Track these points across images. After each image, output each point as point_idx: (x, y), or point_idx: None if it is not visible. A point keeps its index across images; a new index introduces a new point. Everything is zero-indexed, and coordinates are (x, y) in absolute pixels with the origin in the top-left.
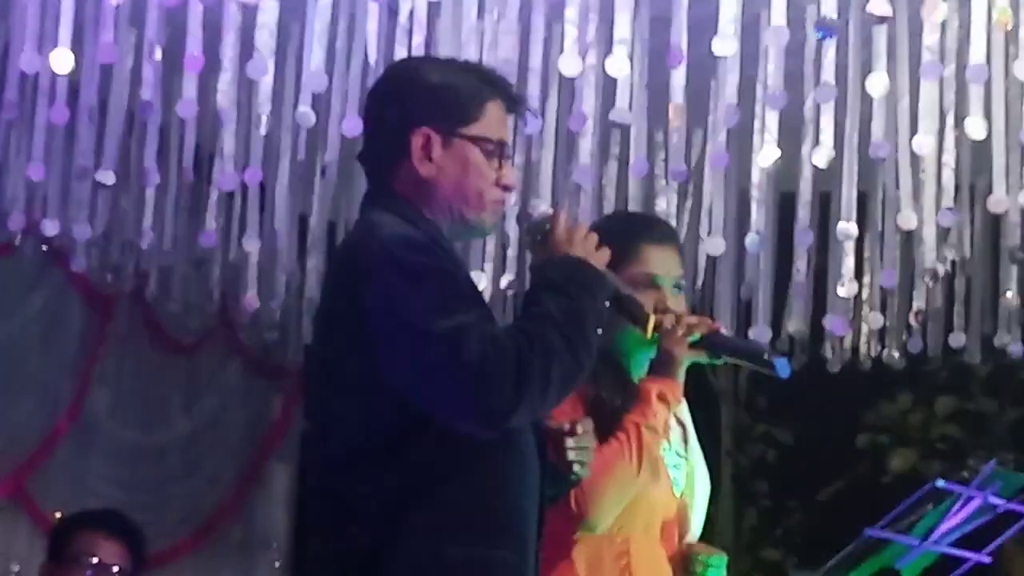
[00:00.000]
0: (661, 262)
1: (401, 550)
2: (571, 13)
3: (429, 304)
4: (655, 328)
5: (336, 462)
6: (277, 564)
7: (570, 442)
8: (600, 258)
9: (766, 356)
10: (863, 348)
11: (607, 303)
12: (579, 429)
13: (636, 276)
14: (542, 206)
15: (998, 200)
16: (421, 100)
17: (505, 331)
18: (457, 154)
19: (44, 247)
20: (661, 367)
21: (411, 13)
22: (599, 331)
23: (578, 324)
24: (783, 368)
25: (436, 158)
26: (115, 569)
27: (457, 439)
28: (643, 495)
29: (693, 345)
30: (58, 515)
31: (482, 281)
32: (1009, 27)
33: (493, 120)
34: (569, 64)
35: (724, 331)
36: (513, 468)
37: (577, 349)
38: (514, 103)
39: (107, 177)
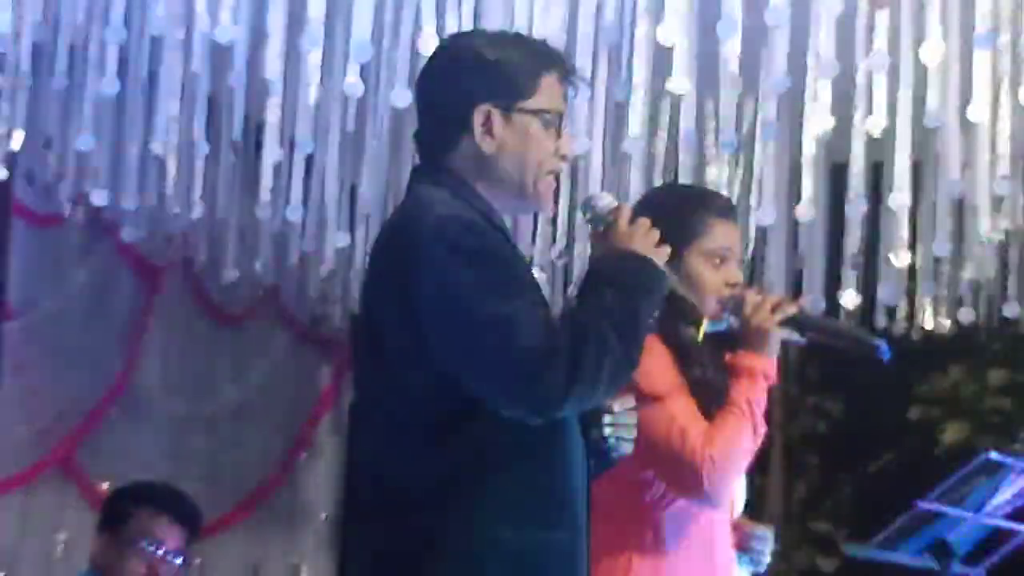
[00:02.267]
0: (729, 236)
1: (453, 532)
2: None
3: (484, 287)
4: (739, 305)
5: (385, 440)
6: (324, 518)
7: (607, 418)
8: (660, 254)
9: (865, 338)
10: (916, 318)
11: (663, 300)
12: (616, 407)
13: (709, 250)
14: (607, 197)
15: None
16: (479, 77)
17: (560, 320)
18: (517, 128)
19: (94, 218)
20: (755, 344)
21: None
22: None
23: (633, 321)
24: (884, 351)
25: (497, 134)
26: (176, 559)
27: (508, 422)
28: None
29: (785, 323)
30: (106, 485)
31: (533, 251)
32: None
33: (550, 92)
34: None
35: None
36: (563, 450)
37: (629, 345)
38: (568, 73)
39: (159, 148)
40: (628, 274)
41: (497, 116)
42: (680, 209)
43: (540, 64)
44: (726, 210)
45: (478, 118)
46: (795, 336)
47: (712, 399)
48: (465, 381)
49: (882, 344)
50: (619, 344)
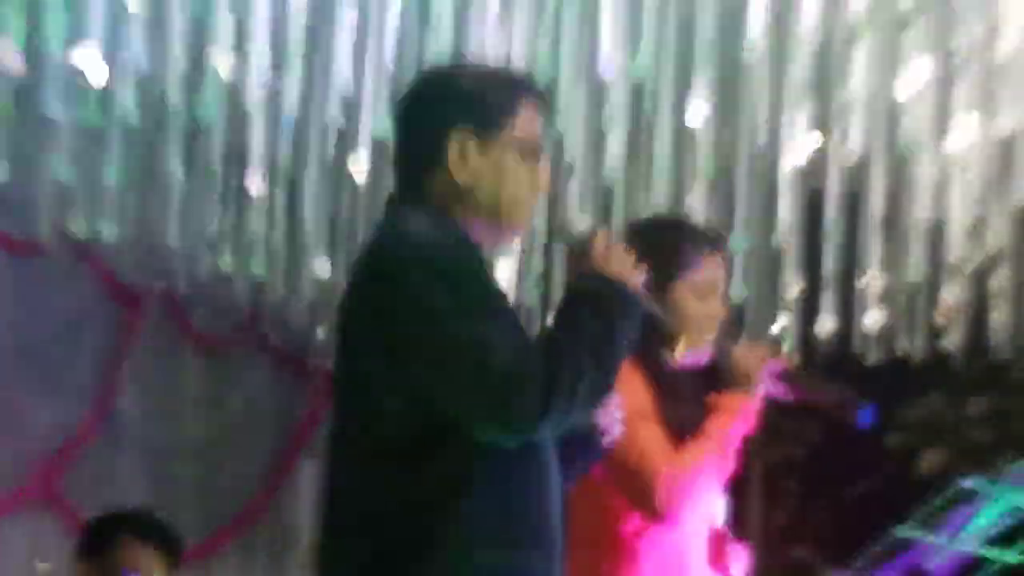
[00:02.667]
0: (717, 270)
1: (429, 557)
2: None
3: (459, 310)
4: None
5: (360, 465)
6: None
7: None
8: (636, 277)
9: (847, 405)
10: (893, 344)
11: (640, 324)
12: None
13: (696, 284)
14: (583, 222)
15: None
16: (455, 106)
17: (536, 342)
18: (493, 159)
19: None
20: (739, 384)
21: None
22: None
23: (609, 343)
24: (864, 418)
25: (472, 164)
26: None
27: (483, 446)
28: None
29: (778, 379)
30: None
31: (509, 270)
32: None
33: (526, 122)
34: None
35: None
36: (538, 473)
37: (605, 367)
38: (545, 104)
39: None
40: (603, 297)
41: (472, 146)
42: (672, 241)
43: (517, 94)
44: (715, 244)
45: (453, 148)
46: (777, 389)
47: (682, 428)
48: (440, 404)
49: (864, 412)
50: (594, 366)
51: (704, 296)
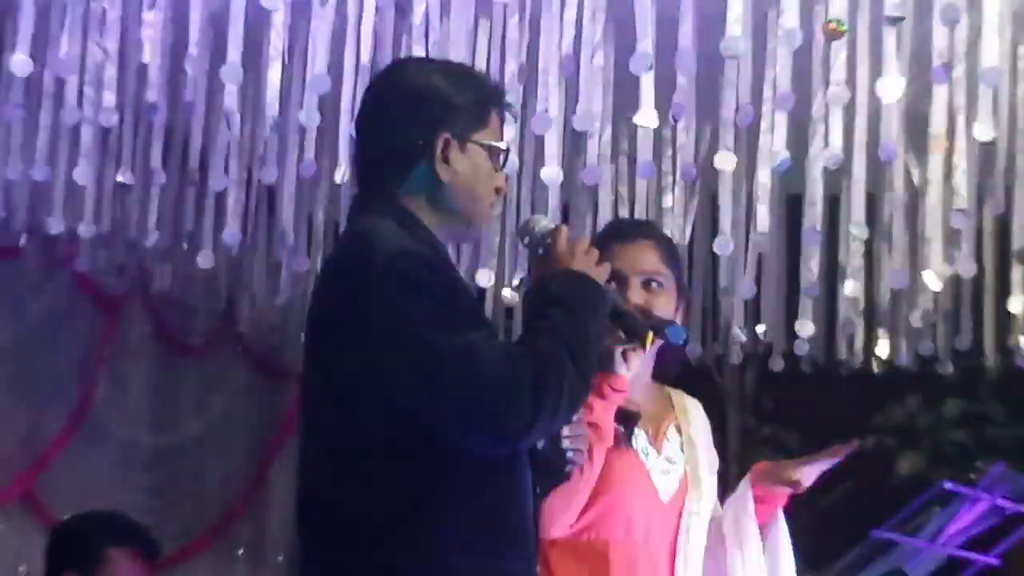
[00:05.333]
0: (627, 257)
1: (407, 564)
2: (570, 15)
3: (441, 321)
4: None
5: (336, 473)
6: (280, 559)
7: (565, 430)
8: (600, 273)
9: (665, 328)
10: (873, 350)
11: (608, 318)
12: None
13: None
14: (544, 220)
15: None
16: (439, 106)
17: (517, 348)
18: (470, 159)
19: (49, 248)
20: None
21: (419, 13)
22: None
23: (584, 341)
24: (676, 335)
25: (453, 163)
26: None
27: (459, 452)
28: (623, 499)
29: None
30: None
31: (488, 278)
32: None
33: (496, 126)
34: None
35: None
36: (514, 477)
37: (584, 367)
38: (509, 109)
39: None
40: (574, 294)
41: (455, 146)
42: (595, 241)
43: (489, 98)
44: (633, 234)
45: (439, 145)
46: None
47: None
48: (424, 415)
49: (674, 329)
50: (575, 367)
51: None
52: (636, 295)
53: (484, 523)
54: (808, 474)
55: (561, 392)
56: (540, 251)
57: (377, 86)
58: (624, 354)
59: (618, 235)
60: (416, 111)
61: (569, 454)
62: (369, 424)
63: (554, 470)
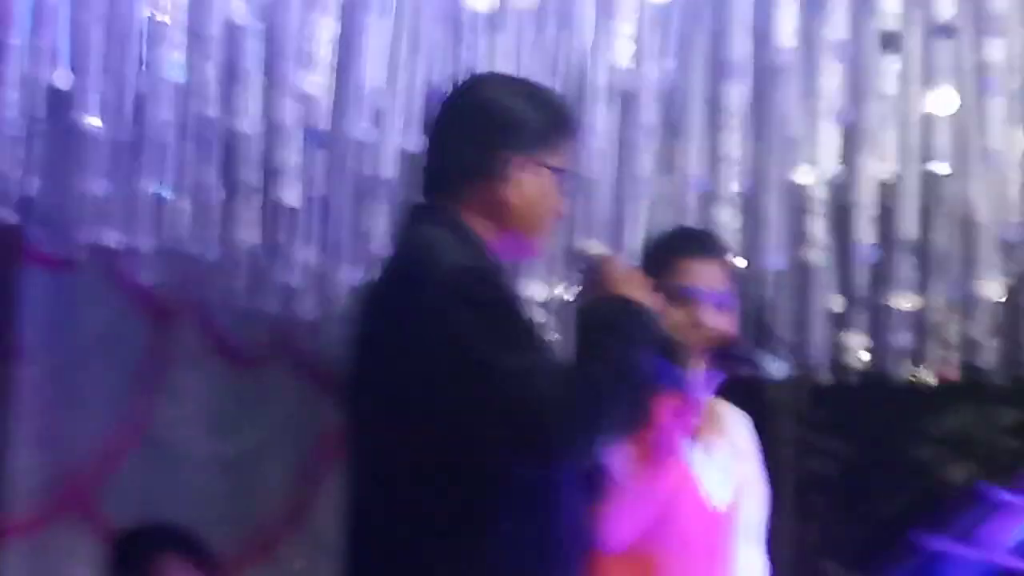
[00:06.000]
0: (699, 275)
1: None
2: (627, 28)
3: (500, 340)
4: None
5: (385, 488)
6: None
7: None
8: (654, 300)
9: (761, 360)
10: (925, 364)
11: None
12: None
13: (670, 288)
14: (597, 246)
15: None
16: (510, 126)
17: (568, 371)
18: (538, 181)
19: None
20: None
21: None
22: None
23: (634, 368)
24: (777, 371)
25: (520, 183)
26: None
27: (509, 470)
28: (670, 514)
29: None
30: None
31: (542, 289)
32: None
33: (564, 149)
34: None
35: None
36: (567, 495)
37: (634, 391)
38: (576, 132)
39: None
40: (626, 322)
41: (522, 165)
42: (655, 248)
43: (558, 120)
44: (702, 250)
45: (506, 166)
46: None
47: None
48: (476, 432)
49: (776, 364)
50: (623, 393)
51: (675, 302)
52: (710, 317)
53: (531, 542)
54: None
55: (609, 419)
56: (593, 277)
57: (452, 98)
58: (707, 376)
59: (691, 249)
60: (484, 127)
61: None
62: (418, 440)
63: (598, 489)
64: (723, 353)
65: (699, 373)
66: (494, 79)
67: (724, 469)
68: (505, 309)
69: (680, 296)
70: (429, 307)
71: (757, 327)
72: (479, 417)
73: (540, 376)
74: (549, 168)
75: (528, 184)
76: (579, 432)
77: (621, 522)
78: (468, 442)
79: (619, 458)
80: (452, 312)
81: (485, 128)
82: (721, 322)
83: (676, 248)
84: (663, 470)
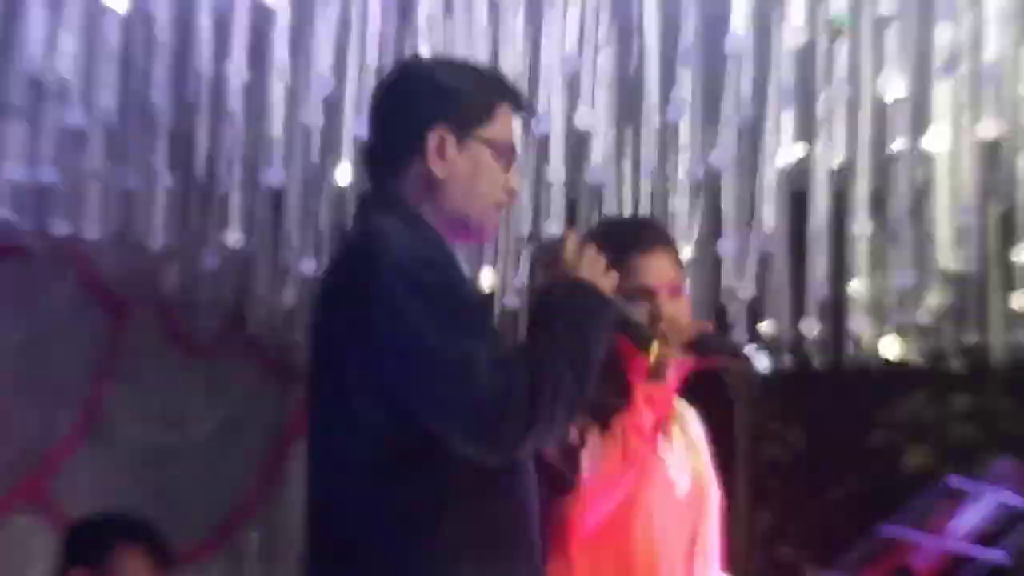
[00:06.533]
0: (652, 270)
1: (413, 571)
2: (573, 14)
3: (443, 326)
4: (657, 339)
5: (341, 477)
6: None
7: (585, 454)
8: (608, 282)
9: (744, 352)
10: (880, 347)
11: (613, 328)
12: (589, 441)
13: (629, 289)
14: (552, 227)
15: None
16: (436, 100)
17: (515, 357)
18: (470, 155)
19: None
20: (651, 371)
21: (421, 15)
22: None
23: (584, 352)
24: (761, 362)
25: (450, 159)
26: None
27: (465, 459)
28: (639, 498)
29: (684, 349)
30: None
31: (491, 277)
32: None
33: (504, 123)
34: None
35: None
36: (520, 485)
37: (582, 377)
38: (521, 106)
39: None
40: (577, 304)
41: (451, 140)
42: (606, 248)
43: (495, 94)
44: (652, 242)
45: (432, 141)
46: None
47: (600, 423)
48: (423, 420)
49: (758, 356)
50: (573, 378)
51: (635, 299)
52: (668, 303)
53: (488, 531)
54: None
55: (556, 404)
56: (548, 259)
57: (381, 83)
58: (679, 366)
59: (637, 244)
60: (412, 106)
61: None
62: (372, 427)
63: (560, 478)
64: (702, 343)
65: (672, 363)
66: (426, 59)
67: (682, 458)
68: (447, 294)
69: (636, 294)
70: (376, 294)
71: (716, 315)
72: (417, 403)
73: (477, 364)
74: (485, 142)
75: (458, 160)
76: (517, 420)
77: (594, 507)
78: (414, 430)
79: (591, 443)
80: (393, 297)
81: (406, 106)
82: (677, 306)
83: (625, 246)
84: (634, 457)
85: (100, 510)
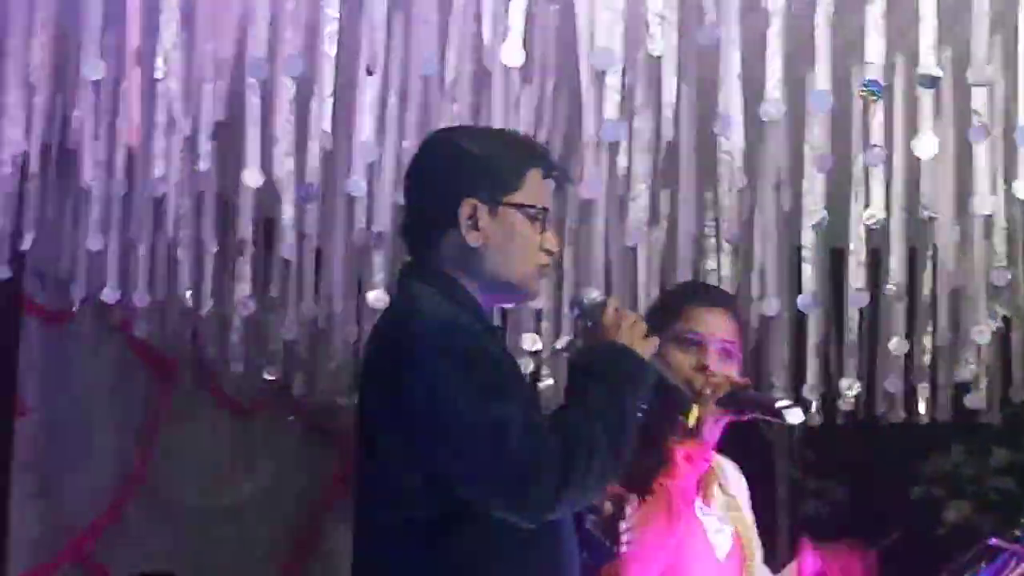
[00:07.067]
0: (705, 322)
1: None
2: (613, 80)
3: (475, 392)
4: (697, 393)
5: (380, 541)
6: None
7: (624, 525)
8: (647, 347)
9: (777, 406)
10: (916, 406)
11: (652, 391)
12: (628, 510)
13: (677, 334)
14: (594, 292)
15: None
16: (466, 171)
17: (549, 422)
18: (503, 222)
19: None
20: (689, 428)
21: (457, 81)
22: (639, 418)
23: (619, 416)
24: (794, 416)
25: (483, 227)
26: None
27: (501, 522)
28: (685, 559)
29: (719, 403)
30: None
31: (536, 343)
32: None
33: (534, 187)
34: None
35: (754, 389)
36: (557, 548)
37: (618, 442)
38: (552, 169)
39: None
40: (612, 367)
41: (483, 210)
42: (667, 297)
43: (524, 159)
44: (711, 299)
45: (464, 211)
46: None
47: (636, 483)
48: (456, 485)
49: (793, 411)
50: (607, 443)
51: (690, 348)
52: (714, 363)
53: None
54: None
55: (590, 469)
56: (589, 324)
57: (416, 154)
58: (716, 422)
59: (698, 298)
60: (443, 177)
61: (624, 546)
62: (408, 492)
63: (598, 545)
64: (737, 398)
65: (710, 419)
66: (457, 129)
67: (723, 518)
68: (483, 360)
69: (687, 342)
70: (406, 361)
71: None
72: (451, 470)
73: (510, 429)
74: (517, 207)
75: (491, 228)
76: (548, 484)
77: (642, 569)
78: (451, 495)
79: (632, 509)
80: (428, 366)
81: (438, 178)
82: (728, 368)
83: (685, 297)
84: (678, 518)
85: (141, 572)
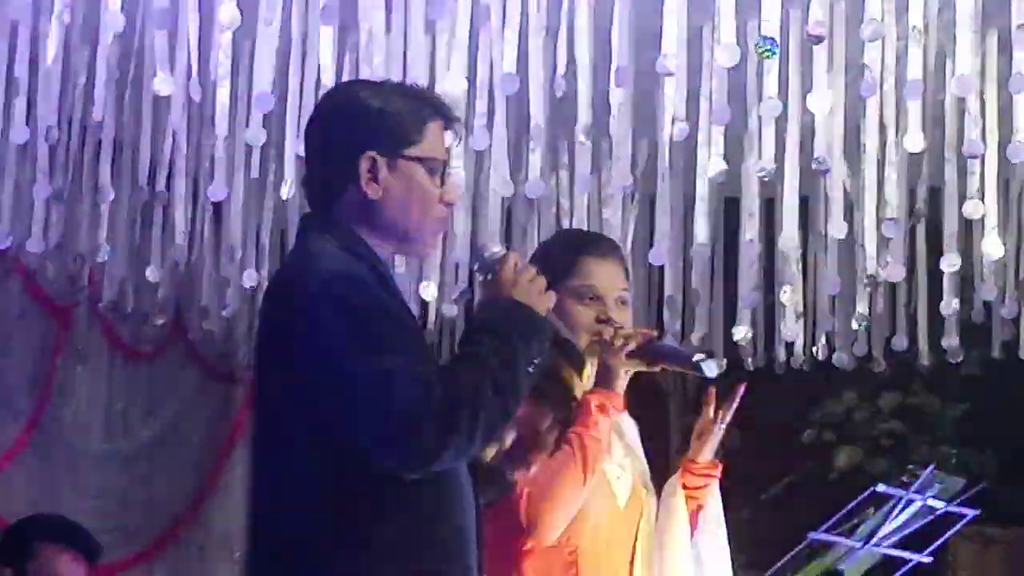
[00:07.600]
0: (602, 275)
1: None
2: (511, 34)
3: (361, 344)
4: (597, 342)
5: (273, 489)
6: (237, 556)
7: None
8: (543, 302)
9: (694, 359)
10: (812, 351)
11: (547, 345)
12: (536, 461)
13: (576, 288)
14: (494, 247)
15: None
16: (365, 125)
17: (436, 374)
18: (402, 175)
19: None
20: (601, 379)
21: (364, 33)
22: (531, 372)
23: (510, 370)
24: (710, 369)
25: (382, 180)
26: None
27: (388, 474)
28: (589, 506)
29: (630, 355)
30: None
31: (432, 290)
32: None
33: (434, 140)
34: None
35: (662, 340)
36: (451, 495)
37: (506, 395)
38: (451, 121)
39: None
40: (505, 322)
41: (382, 163)
42: (559, 250)
43: (424, 112)
44: (604, 251)
45: (363, 165)
46: (642, 367)
47: (548, 433)
48: (339, 434)
49: (708, 363)
50: (495, 395)
51: (587, 301)
52: (615, 313)
53: (417, 543)
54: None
55: (476, 423)
56: (487, 277)
57: (316, 109)
58: (627, 373)
59: (589, 249)
60: (341, 130)
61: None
62: (300, 442)
63: (497, 482)
64: (651, 350)
65: (621, 370)
66: (352, 83)
67: (623, 465)
68: (375, 313)
69: (584, 295)
70: (298, 313)
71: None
72: (336, 421)
73: (395, 381)
74: (416, 160)
75: (391, 181)
76: (430, 436)
77: (554, 517)
78: (338, 445)
79: (544, 453)
80: (318, 318)
81: (336, 132)
82: (624, 316)
83: (576, 248)
84: (592, 470)
85: (30, 514)
